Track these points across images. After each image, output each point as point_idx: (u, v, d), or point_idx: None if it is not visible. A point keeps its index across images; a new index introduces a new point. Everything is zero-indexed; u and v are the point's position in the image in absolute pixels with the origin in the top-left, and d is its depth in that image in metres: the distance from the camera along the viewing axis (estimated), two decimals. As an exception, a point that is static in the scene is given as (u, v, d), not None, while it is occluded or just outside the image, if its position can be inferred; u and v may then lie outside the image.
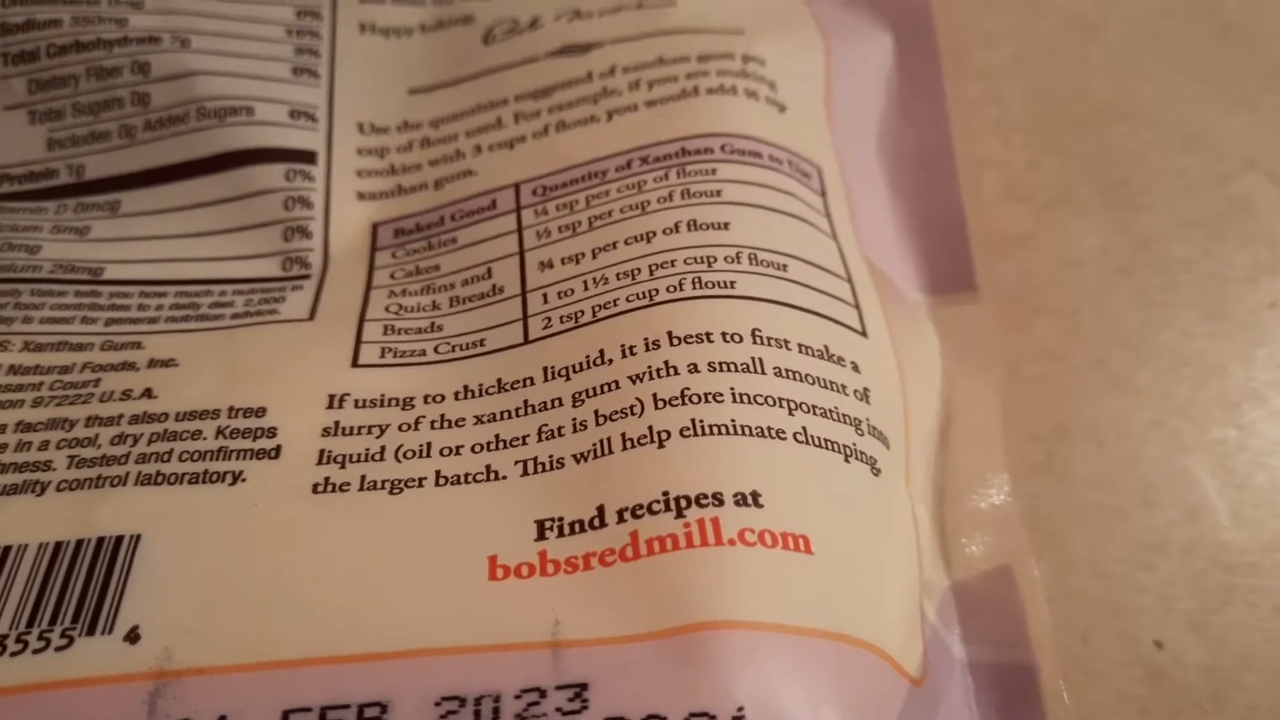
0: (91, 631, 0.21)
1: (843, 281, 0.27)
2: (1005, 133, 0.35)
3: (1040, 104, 0.35)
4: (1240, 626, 0.27)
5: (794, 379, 0.24)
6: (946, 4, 0.33)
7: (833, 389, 0.25)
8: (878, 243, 0.29)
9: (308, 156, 0.30)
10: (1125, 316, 0.32)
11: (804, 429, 0.23)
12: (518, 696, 0.20)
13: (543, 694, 0.20)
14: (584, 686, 0.20)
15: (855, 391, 0.25)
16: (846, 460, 0.24)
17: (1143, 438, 0.30)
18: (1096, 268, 0.32)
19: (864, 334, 0.26)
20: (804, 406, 0.24)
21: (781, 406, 0.23)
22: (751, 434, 0.23)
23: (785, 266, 0.26)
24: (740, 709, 0.19)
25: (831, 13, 0.32)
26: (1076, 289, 0.32)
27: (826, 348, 0.25)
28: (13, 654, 0.21)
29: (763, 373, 0.24)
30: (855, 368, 0.25)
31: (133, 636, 0.21)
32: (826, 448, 0.23)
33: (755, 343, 0.24)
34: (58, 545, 0.22)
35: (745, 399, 0.23)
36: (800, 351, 0.25)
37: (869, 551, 0.23)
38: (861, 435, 0.24)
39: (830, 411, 0.24)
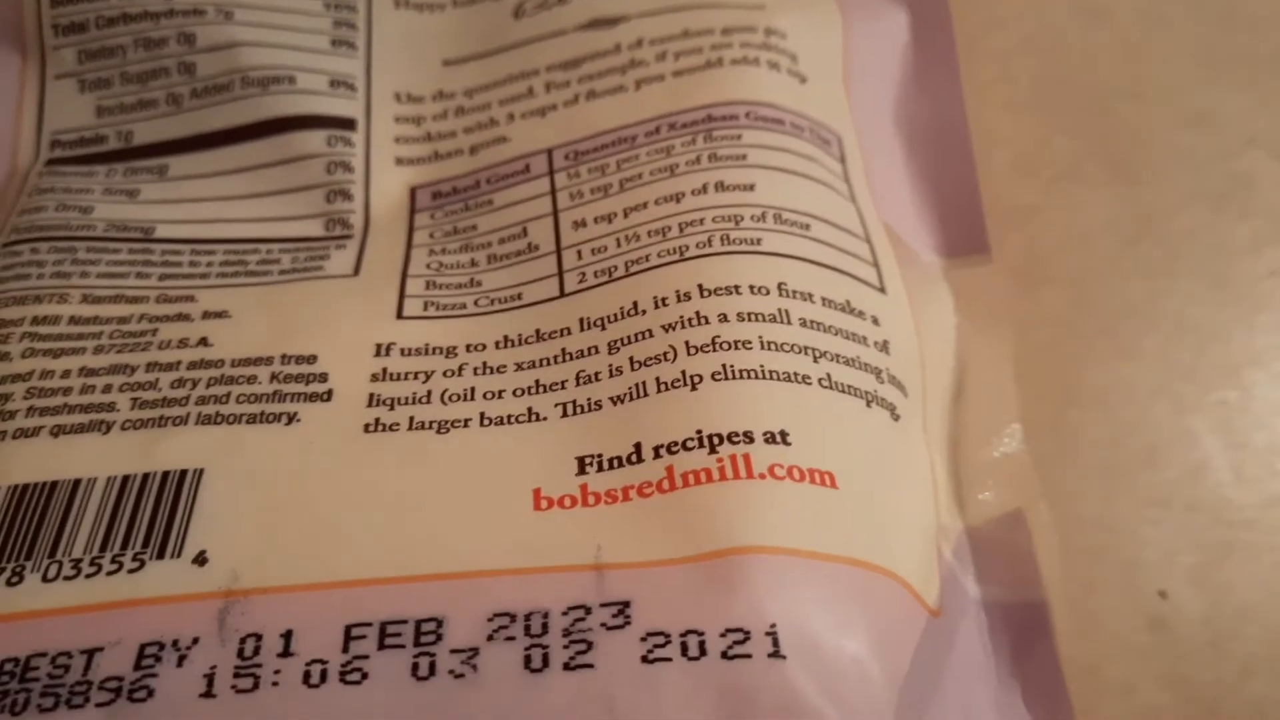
0: (161, 555, 0.22)
1: (862, 241, 0.28)
2: (1016, 112, 0.36)
3: (1050, 84, 0.36)
4: (1240, 579, 0.28)
5: (818, 329, 0.25)
6: (960, -13, 0.34)
7: (854, 340, 0.26)
8: (894, 207, 0.30)
9: (348, 123, 0.31)
10: (1130, 286, 0.33)
11: (828, 375, 0.24)
12: (565, 613, 0.21)
13: (588, 610, 0.21)
14: (626, 604, 0.21)
15: (875, 343, 0.26)
16: (868, 405, 0.25)
17: (1147, 400, 0.31)
18: (1103, 239, 0.33)
19: (883, 290, 0.28)
20: (828, 355, 0.25)
21: (807, 354, 0.25)
22: (779, 379, 0.24)
23: (808, 226, 0.27)
24: (773, 625, 0.21)
25: (850, -10, 0.34)
26: (1084, 260, 0.33)
27: (848, 301, 0.26)
28: (88, 575, 0.22)
29: (789, 323, 0.25)
30: (875, 321, 0.27)
31: (201, 560, 0.22)
32: (849, 393, 0.25)
33: (781, 295, 0.25)
34: (125, 478, 0.23)
35: (773, 346, 0.24)
36: (823, 305, 0.26)
37: (889, 489, 0.24)
38: (882, 383, 0.25)
39: (852, 360, 0.25)
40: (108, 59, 0.31)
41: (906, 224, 0.31)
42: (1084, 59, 0.37)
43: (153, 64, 0.31)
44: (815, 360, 0.25)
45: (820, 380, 0.24)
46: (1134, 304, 0.32)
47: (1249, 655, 0.27)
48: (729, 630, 0.21)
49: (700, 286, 0.25)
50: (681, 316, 0.25)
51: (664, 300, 0.25)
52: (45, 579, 0.22)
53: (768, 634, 0.20)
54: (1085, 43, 0.37)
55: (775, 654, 0.20)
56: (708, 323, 0.25)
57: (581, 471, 0.23)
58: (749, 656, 0.20)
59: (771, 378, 0.24)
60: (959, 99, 0.32)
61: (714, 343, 0.24)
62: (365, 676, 0.20)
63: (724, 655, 0.20)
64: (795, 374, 0.24)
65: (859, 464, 0.24)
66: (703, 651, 0.20)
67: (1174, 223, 0.34)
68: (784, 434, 0.23)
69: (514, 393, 0.25)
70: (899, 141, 0.32)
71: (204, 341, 0.26)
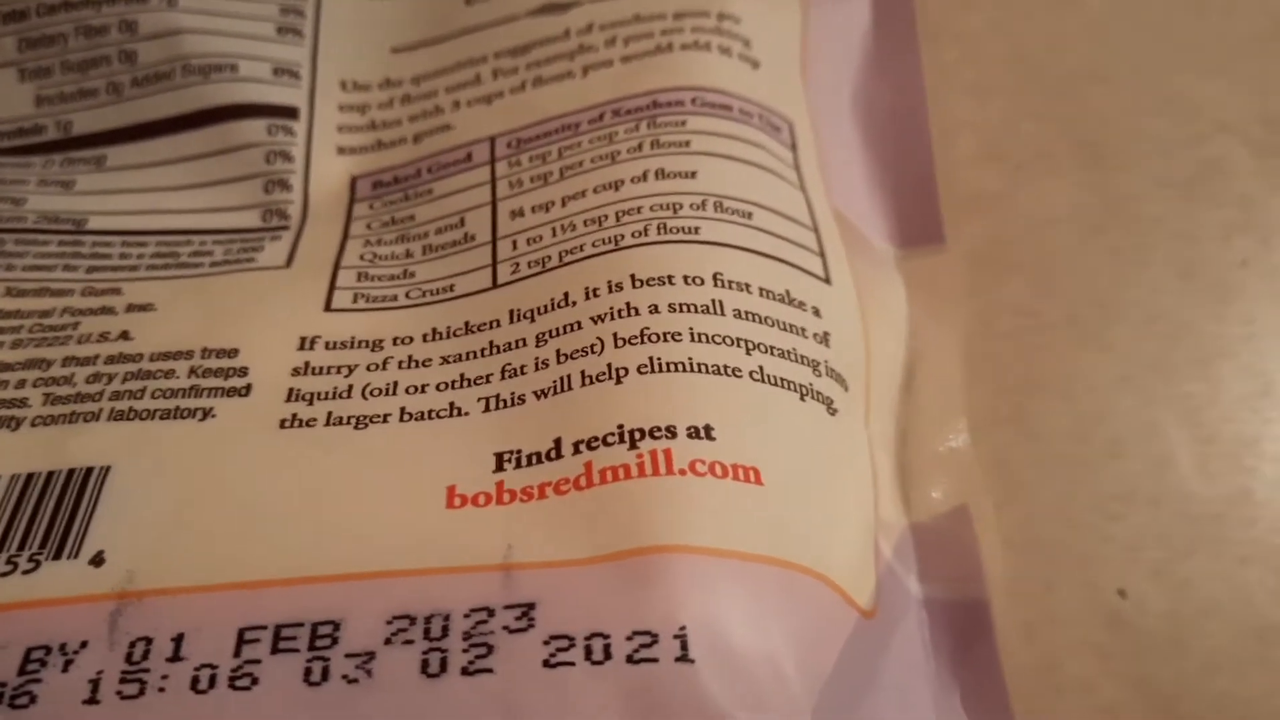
0: (58, 556, 0.22)
1: (808, 230, 0.27)
2: (982, 96, 0.35)
3: (1017, 68, 0.36)
4: (1204, 575, 0.28)
5: (753, 320, 0.25)
6: (925, -30, 0.33)
7: (792, 331, 0.25)
8: (848, 195, 0.30)
9: (289, 112, 0.31)
10: (1097, 274, 0.32)
11: (760, 368, 0.24)
12: (466, 615, 0.20)
13: (491, 613, 0.20)
14: (531, 606, 0.20)
15: (815, 335, 0.25)
16: (802, 399, 0.24)
17: (1112, 392, 0.30)
18: (1070, 227, 0.33)
19: (827, 281, 0.27)
20: (762, 347, 0.24)
21: (739, 346, 0.24)
22: (707, 371, 0.23)
23: (750, 214, 0.26)
24: (682, 628, 0.20)
25: (809, -26, 0.33)
26: (1050, 247, 0.32)
27: (788, 292, 0.26)
28: None
29: (722, 314, 0.24)
30: (816, 312, 0.26)
31: (98, 560, 0.21)
32: (782, 386, 0.24)
33: (716, 285, 0.25)
34: (29, 476, 0.23)
35: (703, 338, 0.24)
36: (761, 295, 0.25)
37: (821, 486, 0.24)
38: (819, 376, 0.25)
39: (788, 352, 0.25)
40: (48, 47, 0.31)
41: (860, 211, 0.30)
42: (1052, 42, 0.36)
43: (93, 52, 0.30)
44: (748, 352, 0.24)
45: (751, 373, 0.24)
46: (1100, 293, 0.32)
47: (1211, 651, 0.27)
48: (636, 633, 0.20)
49: (632, 277, 0.25)
50: (611, 308, 0.24)
51: (595, 291, 0.25)
52: None
53: (676, 637, 0.20)
54: (1054, 25, 0.36)
55: (683, 657, 0.20)
56: (637, 314, 0.24)
57: (499, 468, 0.23)
58: (655, 660, 0.20)
59: (699, 370, 0.23)
60: (920, 86, 0.32)
61: (643, 334, 0.24)
62: (255, 682, 0.20)
63: (629, 659, 0.20)
64: (725, 367, 0.24)
65: (788, 460, 0.23)
66: (608, 655, 0.20)
67: (1143, 210, 0.33)
68: (708, 429, 0.22)
69: (437, 387, 0.25)
70: (856, 128, 0.32)
71: (125, 335, 0.26)
